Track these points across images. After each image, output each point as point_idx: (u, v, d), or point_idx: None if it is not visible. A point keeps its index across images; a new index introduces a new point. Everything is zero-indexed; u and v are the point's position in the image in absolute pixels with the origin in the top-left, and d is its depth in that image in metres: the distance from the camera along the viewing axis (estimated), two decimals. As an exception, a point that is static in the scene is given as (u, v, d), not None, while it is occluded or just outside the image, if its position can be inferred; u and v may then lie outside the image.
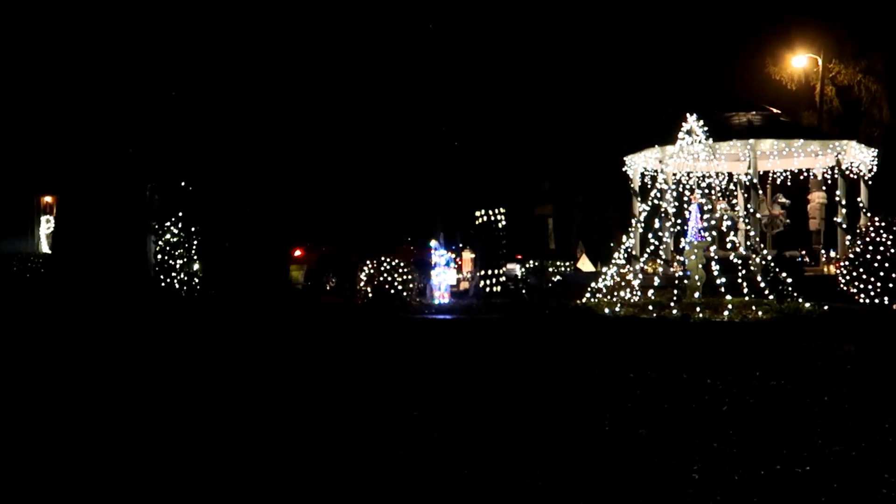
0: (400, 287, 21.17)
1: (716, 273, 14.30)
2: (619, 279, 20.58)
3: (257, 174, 16.26)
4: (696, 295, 14.52)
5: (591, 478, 5.86)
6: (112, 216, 19.25)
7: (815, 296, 16.11)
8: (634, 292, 16.13)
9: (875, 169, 22.62)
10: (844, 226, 21.65)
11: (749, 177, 21.57)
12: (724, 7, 38.39)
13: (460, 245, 25.85)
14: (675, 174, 16.37)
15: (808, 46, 35.50)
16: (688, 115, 16.52)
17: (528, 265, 26.02)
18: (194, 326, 16.52)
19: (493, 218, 24.85)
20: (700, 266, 14.51)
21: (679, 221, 16.95)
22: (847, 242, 21.96)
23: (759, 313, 12.99)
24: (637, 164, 24.48)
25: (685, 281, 14.66)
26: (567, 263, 26.02)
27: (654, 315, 13.15)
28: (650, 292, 15.68)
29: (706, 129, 23.15)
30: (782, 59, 37.28)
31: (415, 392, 9.38)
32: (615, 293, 20.51)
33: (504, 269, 24.83)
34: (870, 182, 22.71)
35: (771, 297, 15.02)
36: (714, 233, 15.93)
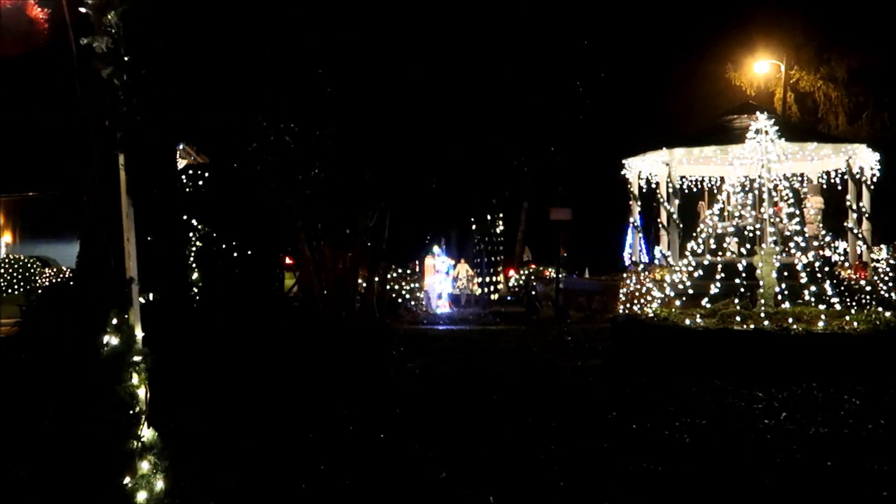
0: (408, 296, 19.86)
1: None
2: (638, 286, 19.73)
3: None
4: (765, 304, 13.67)
5: None
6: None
7: (867, 304, 15.53)
8: (677, 300, 15.21)
9: (878, 173, 22.44)
10: (856, 231, 21.37)
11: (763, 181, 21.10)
12: (687, 12, 38.30)
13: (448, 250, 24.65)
14: (746, 176, 15.57)
15: (770, 52, 35.65)
16: (758, 113, 15.72)
17: (522, 272, 25.01)
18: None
19: (491, 223, 23.80)
20: (773, 274, 13.66)
21: (729, 223, 16.17)
22: (859, 248, 21.70)
23: (855, 325, 12.22)
24: (636, 167, 23.76)
25: (759, 290, 13.80)
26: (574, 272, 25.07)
27: (746, 327, 12.20)
28: (676, 300, 14.87)
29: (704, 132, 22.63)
30: (743, 64, 37.42)
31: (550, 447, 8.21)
32: (635, 301, 19.65)
33: (504, 276, 23.84)
34: (872, 187, 22.52)
35: (836, 304, 14.33)
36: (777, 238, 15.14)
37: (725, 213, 15.62)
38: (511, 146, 8.80)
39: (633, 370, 12.00)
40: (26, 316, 6.96)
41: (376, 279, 18.79)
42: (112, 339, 4.53)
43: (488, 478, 6.52)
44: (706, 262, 15.36)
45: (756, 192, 15.03)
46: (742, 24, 36.69)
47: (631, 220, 24.30)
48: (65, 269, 29.96)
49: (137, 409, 4.60)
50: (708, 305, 14.44)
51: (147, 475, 4.56)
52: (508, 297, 25.76)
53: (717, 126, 23.21)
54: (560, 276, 24.31)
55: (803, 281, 14.87)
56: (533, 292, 22.06)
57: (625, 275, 21.52)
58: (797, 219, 15.02)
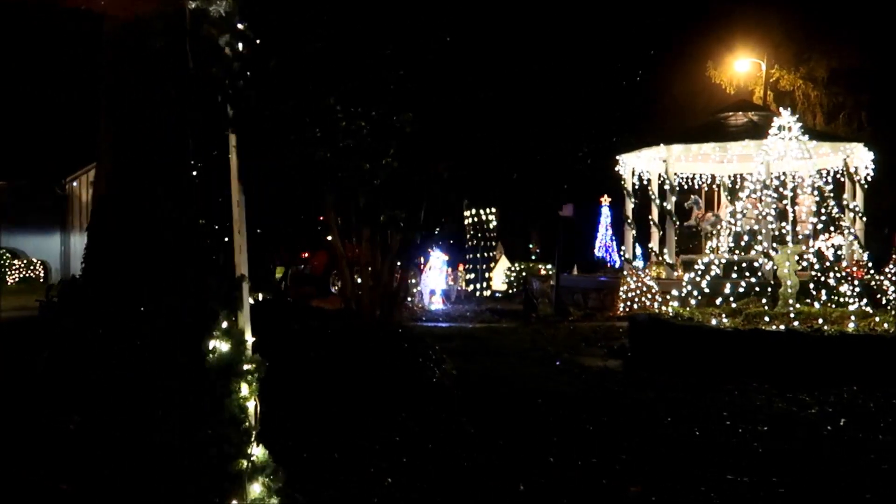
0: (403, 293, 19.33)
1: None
2: (638, 284, 19.43)
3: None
4: (786, 303, 13.41)
5: None
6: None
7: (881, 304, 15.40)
8: (692, 299, 14.91)
9: (872, 172, 22.41)
10: (853, 230, 21.27)
11: (763, 177, 20.97)
12: (666, 8, 38.14)
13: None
14: (771, 173, 15.36)
15: (751, 50, 35.64)
16: (781, 110, 15.47)
17: (511, 268, 24.61)
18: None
19: (483, 218, 23.34)
20: (794, 273, 13.40)
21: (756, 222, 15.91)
22: (856, 248, 21.61)
23: (885, 326, 12.01)
24: (630, 163, 23.47)
25: (779, 289, 13.54)
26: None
27: (777, 327, 11.89)
28: (690, 299, 14.58)
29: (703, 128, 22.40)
30: (723, 62, 37.38)
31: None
32: (636, 299, 19.35)
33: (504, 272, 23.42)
34: (865, 186, 22.49)
35: (855, 303, 14.14)
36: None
37: (745, 211, 15.29)
38: (578, 138, 8.34)
39: (660, 371, 11.62)
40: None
41: (411, 276, 18.17)
42: (221, 345, 3.97)
43: (575, 491, 6.09)
44: (723, 261, 15.06)
45: (772, 189, 14.78)
46: (722, 21, 36.64)
47: (625, 217, 24.02)
48: (35, 260, 28.88)
49: (247, 424, 4.05)
50: (727, 304, 14.20)
51: (259, 500, 4.02)
52: (496, 294, 25.37)
53: (714, 123, 23.04)
54: (552, 273, 23.98)
55: (820, 280, 14.68)
56: (525, 290, 21.64)
57: (624, 272, 21.19)
58: (815, 217, 14.80)
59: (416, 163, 6.40)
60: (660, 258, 22.14)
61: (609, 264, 35.36)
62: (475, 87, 6.98)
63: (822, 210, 14.68)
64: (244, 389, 4.01)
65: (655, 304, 19.41)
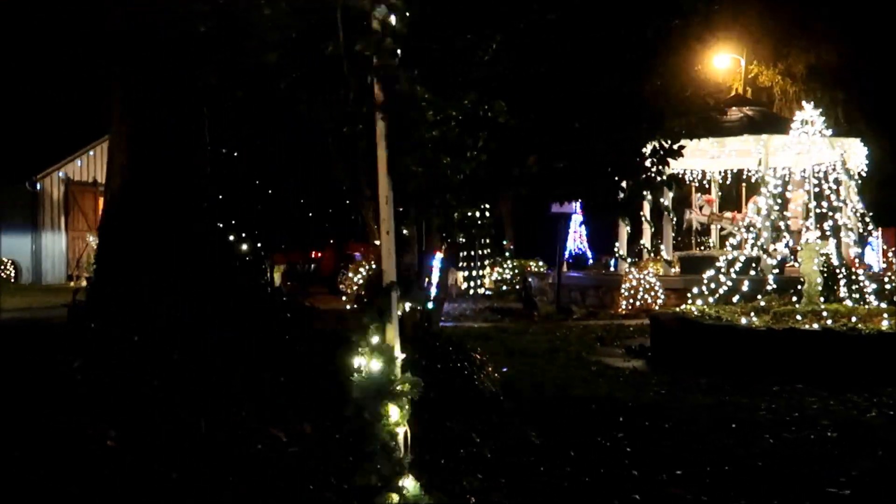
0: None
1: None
2: (639, 280, 19.12)
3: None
4: (810, 301, 13.16)
5: None
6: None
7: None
8: (710, 297, 14.62)
9: (866, 168, 22.35)
10: (850, 226, 21.18)
11: (760, 173, 20.88)
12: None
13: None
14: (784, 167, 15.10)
15: (730, 46, 35.59)
16: (804, 103, 15.22)
17: (505, 265, 24.22)
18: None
19: (477, 213, 22.85)
20: (818, 270, 13.15)
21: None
22: (852, 243, 21.55)
23: (919, 323, 11.82)
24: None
25: (800, 286, 13.30)
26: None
27: (810, 326, 11.60)
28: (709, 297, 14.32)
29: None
30: (702, 57, 37.27)
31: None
32: (639, 296, 19.04)
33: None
34: (859, 182, 22.42)
35: (874, 301, 13.98)
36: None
37: (767, 207, 15.04)
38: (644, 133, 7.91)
39: (691, 372, 11.24)
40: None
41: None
42: (373, 364, 3.45)
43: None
44: (743, 258, 14.78)
45: (789, 185, 14.54)
46: (701, 16, 36.51)
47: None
48: (5, 260, 27.79)
49: (398, 453, 3.52)
50: (744, 303, 13.92)
51: (411, 538, 3.50)
52: (488, 292, 24.93)
53: (709, 119, 22.75)
54: (545, 270, 23.64)
55: (836, 276, 14.48)
56: (523, 287, 21.26)
57: (625, 270, 20.87)
58: (839, 213, 14.59)
59: (506, 156, 5.89)
60: (657, 255, 21.89)
61: (588, 262, 35.16)
62: (583, 72, 6.52)
63: (827, 205, 14.44)
64: (394, 414, 3.48)
65: (658, 302, 19.14)
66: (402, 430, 3.56)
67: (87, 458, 6.44)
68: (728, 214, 25.06)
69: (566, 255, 38.38)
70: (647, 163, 7.88)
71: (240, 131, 9.38)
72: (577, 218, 40.44)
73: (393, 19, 3.34)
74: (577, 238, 40.50)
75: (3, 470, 6.02)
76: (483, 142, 5.45)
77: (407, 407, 3.53)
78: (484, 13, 5.63)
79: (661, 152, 7.55)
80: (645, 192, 8.18)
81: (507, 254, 40.45)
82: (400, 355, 3.59)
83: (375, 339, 3.47)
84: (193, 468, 6.27)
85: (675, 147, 7.87)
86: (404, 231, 5.34)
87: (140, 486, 5.95)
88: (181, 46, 7.34)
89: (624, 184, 8.10)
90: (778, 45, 35.88)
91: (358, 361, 3.49)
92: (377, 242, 9.22)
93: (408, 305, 5.28)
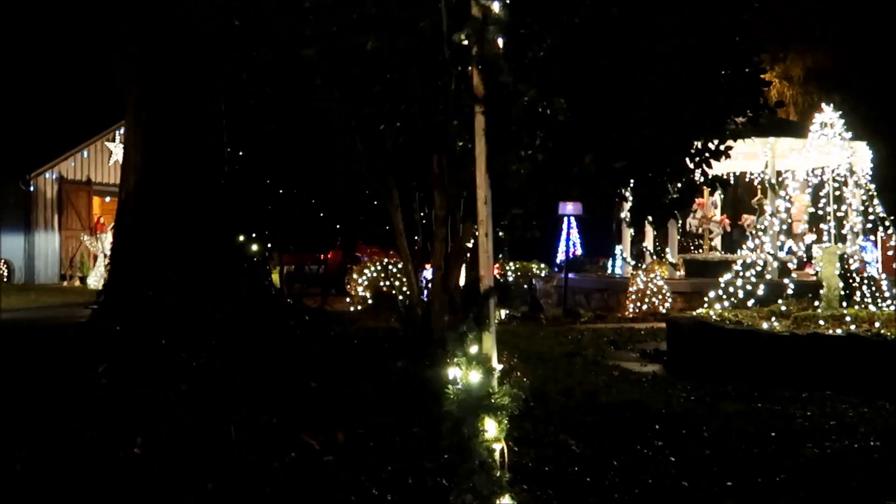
0: (407, 291, 18.59)
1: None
2: (646, 282, 18.96)
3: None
4: (830, 306, 13.02)
5: None
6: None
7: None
8: (726, 300, 14.44)
9: (870, 172, 22.27)
10: (856, 230, 21.08)
11: (768, 176, 20.79)
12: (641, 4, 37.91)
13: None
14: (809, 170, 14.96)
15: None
16: (823, 105, 15.08)
17: (509, 268, 23.93)
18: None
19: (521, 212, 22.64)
20: (837, 274, 13.00)
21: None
22: (858, 247, 21.44)
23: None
24: (628, 160, 23.01)
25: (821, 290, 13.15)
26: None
27: (835, 332, 11.43)
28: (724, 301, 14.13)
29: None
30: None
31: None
32: (647, 300, 18.87)
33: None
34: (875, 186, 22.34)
35: (892, 305, 13.85)
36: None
37: (786, 209, 14.87)
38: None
39: (712, 377, 11.03)
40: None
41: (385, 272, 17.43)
42: (472, 376, 3.21)
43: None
44: (760, 261, 14.62)
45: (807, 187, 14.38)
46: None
47: (622, 215, 23.53)
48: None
49: (495, 472, 3.29)
50: (760, 307, 13.76)
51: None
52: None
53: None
54: (546, 273, 23.44)
55: (851, 280, 14.32)
56: (529, 289, 21.06)
57: (633, 272, 20.69)
58: (861, 217, 14.44)
59: (564, 154, 5.67)
60: (662, 258, 21.75)
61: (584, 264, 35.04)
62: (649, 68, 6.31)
63: (846, 208, 14.30)
64: (492, 428, 3.25)
65: (665, 306, 18.98)
66: (499, 447, 3.33)
67: (115, 466, 6.19)
68: (717, 218, 25.03)
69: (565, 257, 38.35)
70: (691, 163, 7.66)
71: (261, 130, 9.12)
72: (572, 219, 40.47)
73: (496, 6, 3.12)
74: (569, 241, 40.48)
75: (32, 479, 5.79)
76: (540, 140, 5.24)
77: (505, 421, 3.30)
78: (542, 7, 5.43)
79: (707, 153, 7.33)
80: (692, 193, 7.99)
81: (500, 255, 40.27)
82: (498, 366, 3.37)
83: (474, 349, 3.23)
84: (228, 477, 6.03)
85: (722, 147, 7.63)
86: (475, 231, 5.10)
87: (174, 496, 5.71)
88: (213, 41, 7.09)
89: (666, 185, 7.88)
90: (775, 47, 35.82)
91: (453, 373, 3.25)
92: (401, 245, 9.01)
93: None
